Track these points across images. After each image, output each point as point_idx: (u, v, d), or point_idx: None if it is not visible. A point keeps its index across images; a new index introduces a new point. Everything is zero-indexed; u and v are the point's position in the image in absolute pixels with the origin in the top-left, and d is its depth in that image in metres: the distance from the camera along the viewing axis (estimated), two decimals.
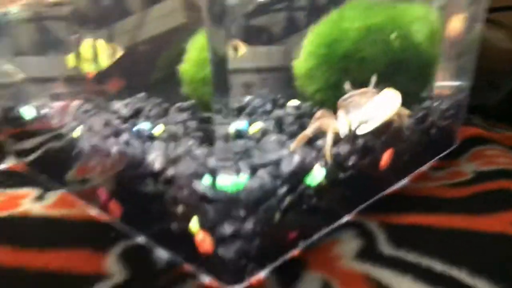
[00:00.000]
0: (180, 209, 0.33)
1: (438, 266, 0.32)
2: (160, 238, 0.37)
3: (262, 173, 0.32)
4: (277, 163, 0.33)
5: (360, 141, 0.40)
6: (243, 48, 0.47)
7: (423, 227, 0.38)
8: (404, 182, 0.49)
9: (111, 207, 0.42)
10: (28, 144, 0.57)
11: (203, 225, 0.31)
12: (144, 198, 0.37)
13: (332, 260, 0.34)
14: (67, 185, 0.49)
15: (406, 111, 0.44)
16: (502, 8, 0.90)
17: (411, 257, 0.34)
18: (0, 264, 0.35)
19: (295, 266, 0.34)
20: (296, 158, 0.34)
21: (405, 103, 0.48)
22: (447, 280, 0.31)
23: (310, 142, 0.38)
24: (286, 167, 0.33)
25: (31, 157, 0.56)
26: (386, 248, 0.35)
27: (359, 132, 0.38)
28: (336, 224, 0.40)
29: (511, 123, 0.71)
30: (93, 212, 0.44)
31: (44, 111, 0.54)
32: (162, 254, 0.36)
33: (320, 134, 0.38)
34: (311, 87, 0.44)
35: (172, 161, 0.34)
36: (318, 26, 0.43)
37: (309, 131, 0.38)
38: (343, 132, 0.37)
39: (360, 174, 0.41)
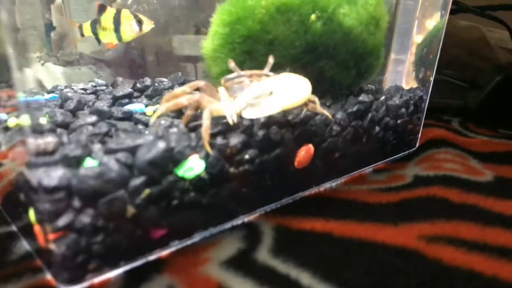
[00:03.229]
0: (22, 199, 0.30)
1: (306, 279, 0.28)
2: (23, 228, 0.34)
3: (108, 160, 0.28)
4: (132, 149, 0.29)
5: (260, 133, 0.35)
6: (148, 23, 0.43)
7: (319, 234, 0.33)
8: (335, 183, 0.43)
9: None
10: None
11: (36, 217, 0.28)
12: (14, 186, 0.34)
13: (195, 265, 0.30)
14: None
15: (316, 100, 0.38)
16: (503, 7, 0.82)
17: (282, 267, 0.29)
18: None
19: (153, 268, 0.30)
20: (161, 145, 0.30)
21: (332, 94, 0.43)
22: None
23: (193, 128, 0.34)
24: (143, 155, 0.29)
25: None
26: (263, 255, 0.31)
27: (246, 116, 0.33)
28: (229, 224, 0.35)
29: (492, 128, 0.63)
30: None
31: None
32: (24, 245, 0.33)
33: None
34: (215, 69, 0.40)
35: None
36: (224, 3, 0.39)
37: (184, 100, 0.33)
38: (229, 114, 0.32)
39: (264, 171, 0.36)
